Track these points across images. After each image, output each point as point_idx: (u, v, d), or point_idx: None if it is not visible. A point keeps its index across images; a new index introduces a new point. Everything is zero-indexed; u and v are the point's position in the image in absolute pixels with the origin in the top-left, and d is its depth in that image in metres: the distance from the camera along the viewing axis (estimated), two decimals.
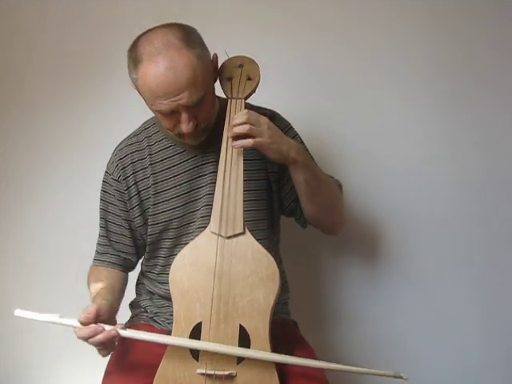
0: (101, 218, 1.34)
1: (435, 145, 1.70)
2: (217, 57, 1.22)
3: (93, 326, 1.07)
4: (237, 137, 1.14)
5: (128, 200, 1.29)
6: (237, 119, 1.14)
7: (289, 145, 1.18)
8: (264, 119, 1.16)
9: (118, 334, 1.08)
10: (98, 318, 1.08)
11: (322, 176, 1.27)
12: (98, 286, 1.25)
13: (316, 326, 1.71)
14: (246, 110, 1.16)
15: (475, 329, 1.72)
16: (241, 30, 1.68)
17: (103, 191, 1.33)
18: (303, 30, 1.70)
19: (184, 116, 1.14)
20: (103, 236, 1.34)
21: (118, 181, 1.30)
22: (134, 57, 1.14)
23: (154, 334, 1.15)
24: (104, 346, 1.09)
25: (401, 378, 1.06)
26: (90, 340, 1.07)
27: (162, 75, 1.09)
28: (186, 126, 1.15)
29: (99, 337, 1.06)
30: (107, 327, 1.08)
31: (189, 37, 1.13)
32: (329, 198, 1.28)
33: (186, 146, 1.27)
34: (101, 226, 1.34)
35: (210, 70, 1.19)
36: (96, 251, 1.36)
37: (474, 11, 1.68)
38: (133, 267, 1.38)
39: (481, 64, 1.68)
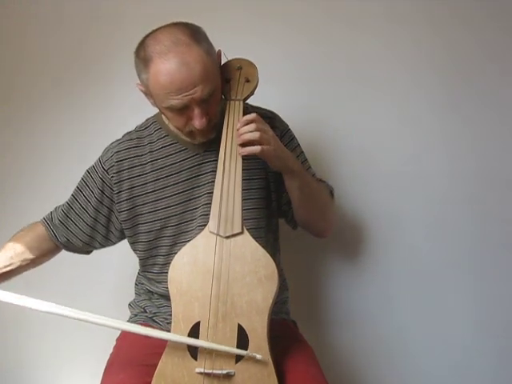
0: (72, 195, 1.34)
1: (430, 146, 1.70)
2: (221, 53, 1.24)
3: None
4: (242, 143, 1.15)
5: (117, 193, 1.29)
6: (246, 127, 1.14)
7: (287, 154, 1.20)
8: (268, 127, 1.17)
9: None
10: None
11: (314, 184, 1.30)
12: (16, 244, 1.28)
13: (316, 326, 1.72)
14: (254, 115, 1.16)
15: (469, 328, 1.72)
16: (239, 31, 1.68)
17: (88, 173, 1.33)
18: (302, 29, 1.71)
19: (197, 111, 1.15)
20: (63, 212, 1.34)
21: (106, 171, 1.30)
22: (143, 57, 1.14)
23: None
24: None
25: (254, 357, 1.08)
26: None
27: (175, 71, 1.11)
28: (199, 122, 1.16)
29: None
30: None
31: (196, 33, 1.15)
32: (319, 204, 1.31)
33: (187, 144, 1.27)
34: (67, 201, 1.35)
35: (218, 66, 1.20)
36: (51, 215, 1.35)
37: (470, 20, 1.69)
38: (72, 250, 1.37)
39: (474, 67, 1.69)
